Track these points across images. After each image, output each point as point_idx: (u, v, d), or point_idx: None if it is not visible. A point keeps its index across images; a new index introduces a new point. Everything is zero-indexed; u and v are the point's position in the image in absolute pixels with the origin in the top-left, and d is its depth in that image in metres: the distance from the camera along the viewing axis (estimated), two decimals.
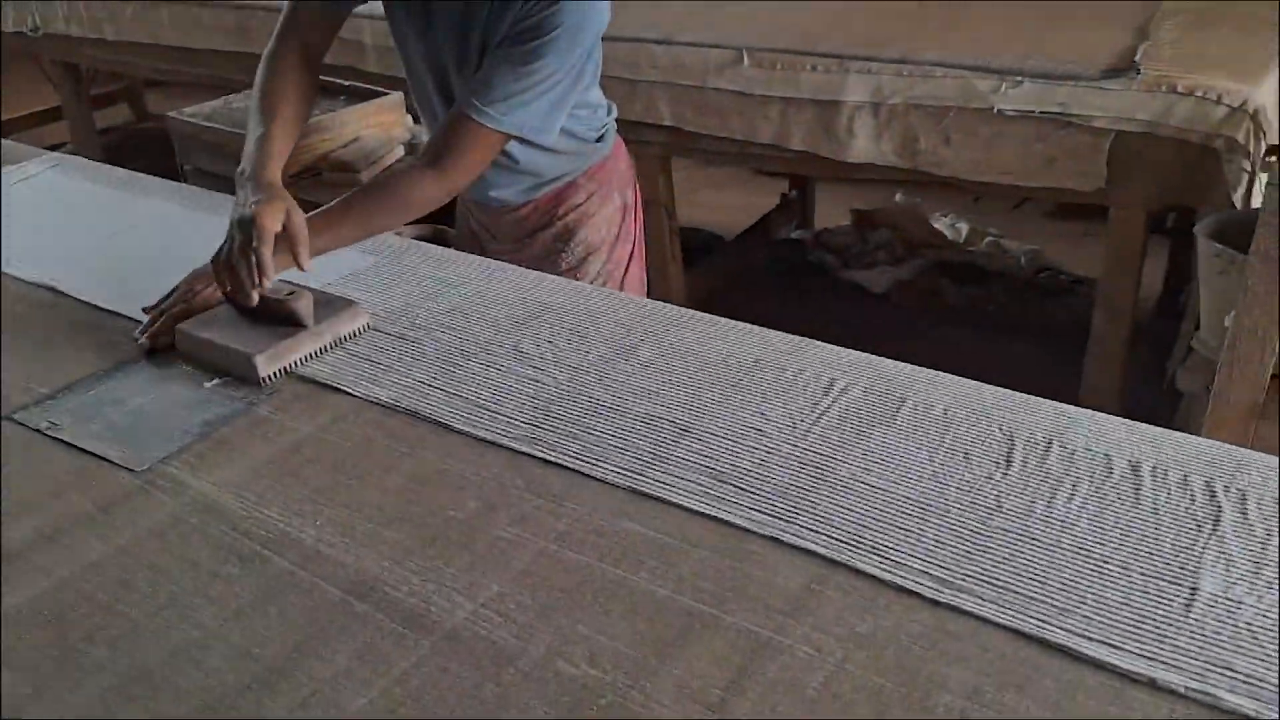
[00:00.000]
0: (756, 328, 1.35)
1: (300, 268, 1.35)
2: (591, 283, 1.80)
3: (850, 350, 1.28)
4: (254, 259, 1.29)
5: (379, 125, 2.21)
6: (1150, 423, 1.14)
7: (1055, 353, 3.00)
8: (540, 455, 1.10)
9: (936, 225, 3.53)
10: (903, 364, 1.24)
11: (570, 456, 1.10)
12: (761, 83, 2.52)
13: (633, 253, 1.91)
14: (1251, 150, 2.04)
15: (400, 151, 2.19)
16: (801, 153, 2.54)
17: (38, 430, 1.20)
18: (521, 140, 1.56)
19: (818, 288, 3.42)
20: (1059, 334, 3.10)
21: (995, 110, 2.27)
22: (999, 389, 1.19)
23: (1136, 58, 2.21)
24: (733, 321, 1.37)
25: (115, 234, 1.71)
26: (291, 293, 1.34)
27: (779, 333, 1.33)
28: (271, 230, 1.31)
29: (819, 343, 1.30)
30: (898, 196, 3.62)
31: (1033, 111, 2.24)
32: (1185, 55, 2.24)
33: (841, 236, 3.53)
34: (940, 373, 1.22)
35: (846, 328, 3.24)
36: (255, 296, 1.30)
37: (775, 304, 3.37)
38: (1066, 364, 2.91)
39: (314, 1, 1.60)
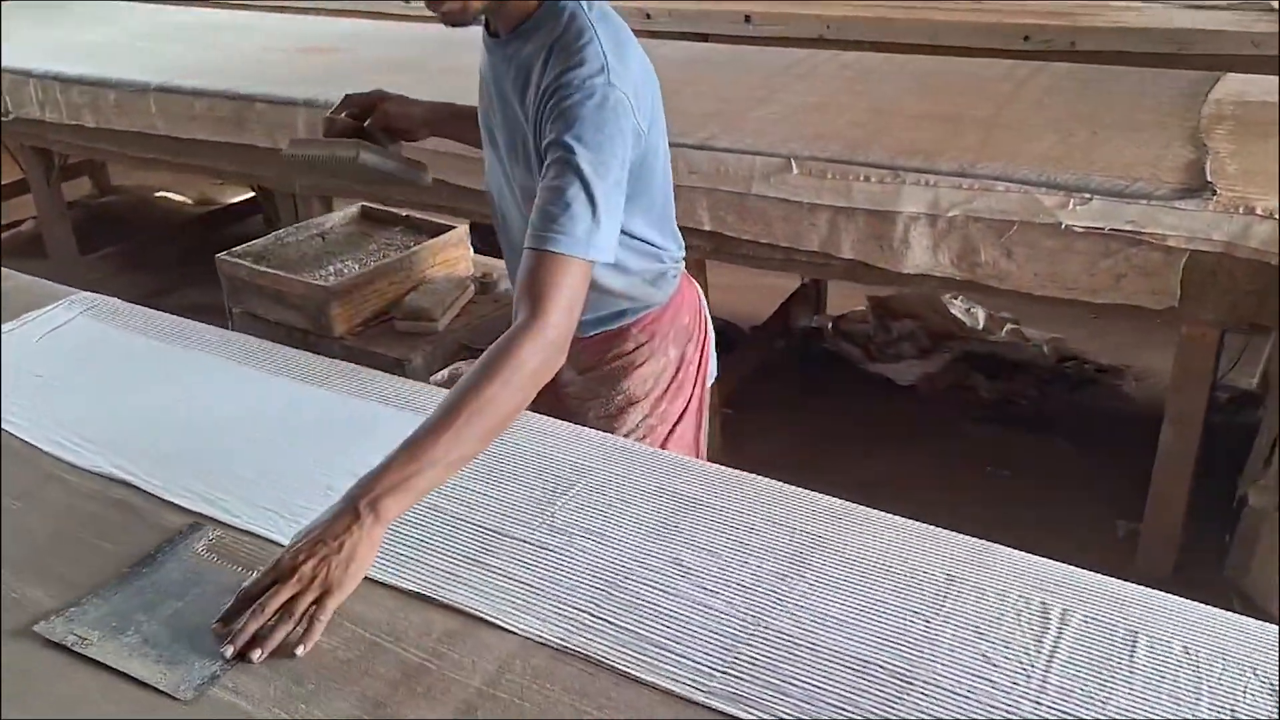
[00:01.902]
0: (917, 525, 1.25)
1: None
2: (628, 435, 1.70)
3: (1035, 558, 1.19)
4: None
5: (445, 263, 2.07)
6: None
7: (1094, 451, 2.95)
8: (749, 718, 0.99)
9: (953, 311, 3.48)
10: (1115, 582, 1.14)
11: None
12: (810, 191, 2.44)
13: (686, 410, 1.77)
14: None
15: (472, 291, 2.04)
16: (851, 260, 2.47)
17: (63, 646, 1.09)
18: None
19: (842, 379, 3.35)
20: (1094, 428, 3.06)
21: (1063, 226, 2.22)
22: (1231, 615, 1.09)
23: (1207, 176, 2.17)
24: (885, 515, 1.27)
25: (168, 405, 1.55)
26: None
27: (949, 534, 1.23)
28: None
29: (998, 548, 1.20)
30: None
31: (1102, 228, 2.19)
32: (1252, 172, 2.21)
33: (861, 325, 3.47)
34: (1159, 593, 1.13)
35: (879, 424, 3.20)
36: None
37: (802, 397, 3.29)
38: (1111, 465, 2.88)
39: None
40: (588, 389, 1.73)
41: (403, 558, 1.22)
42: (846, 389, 3.31)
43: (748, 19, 3.86)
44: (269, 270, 1.94)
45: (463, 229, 2.13)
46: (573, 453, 1.42)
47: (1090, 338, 3.48)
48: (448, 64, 3.46)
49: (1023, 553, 1.19)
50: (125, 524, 1.30)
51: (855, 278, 2.57)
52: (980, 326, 3.47)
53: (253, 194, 4.67)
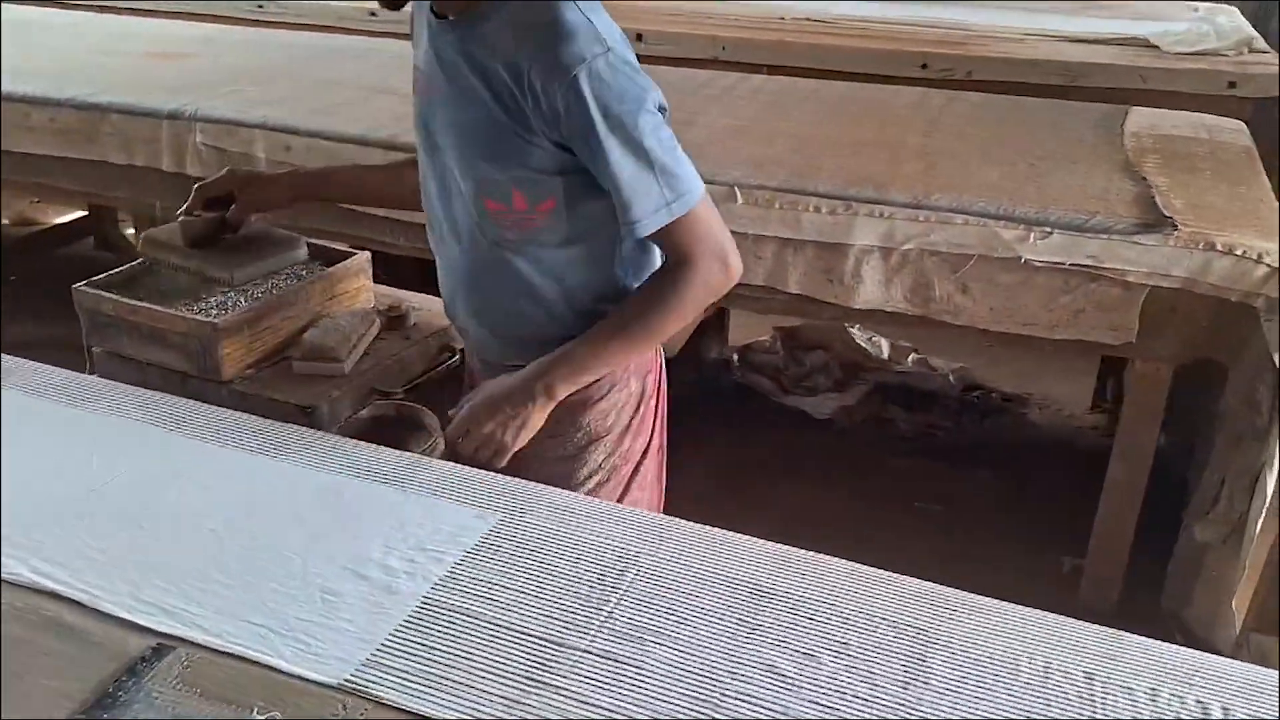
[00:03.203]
0: (1036, 613, 1.11)
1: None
2: (590, 477, 1.55)
3: (1171, 647, 1.07)
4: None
5: (346, 295, 1.78)
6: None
7: (1016, 482, 2.93)
8: None
9: (857, 340, 3.43)
10: (1262, 670, 1.04)
11: None
12: (756, 221, 2.31)
13: (649, 448, 1.62)
14: None
15: (378, 326, 1.76)
16: (798, 295, 2.35)
17: None
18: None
19: (754, 413, 3.23)
20: (1010, 459, 3.04)
21: (1022, 260, 2.16)
22: None
23: (1163, 211, 2.16)
24: (995, 602, 1.13)
25: (88, 487, 1.26)
26: None
27: (1074, 623, 1.10)
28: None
29: (1130, 636, 1.08)
30: None
31: (1062, 263, 2.15)
32: (1199, 206, 2.21)
33: (768, 356, 3.36)
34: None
35: (796, 459, 3.09)
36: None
37: (714, 431, 3.14)
38: (1036, 496, 2.86)
39: None
40: (544, 427, 1.52)
41: (448, 683, 0.99)
42: (758, 422, 3.20)
43: (640, 37, 3.72)
44: (142, 304, 1.62)
45: (364, 256, 1.84)
46: (605, 534, 1.21)
47: (988, 365, 3.49)
48: (323, 75, 3.18)
49: (1156, 641, 1.07)
50: (69, 652, 1.02)
51: (801, 313, 2.46)
52: (885, 356, 3.43)
53: (83, 214, 4.19)
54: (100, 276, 1.74)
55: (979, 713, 0.98)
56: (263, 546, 1.17)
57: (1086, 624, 1.09)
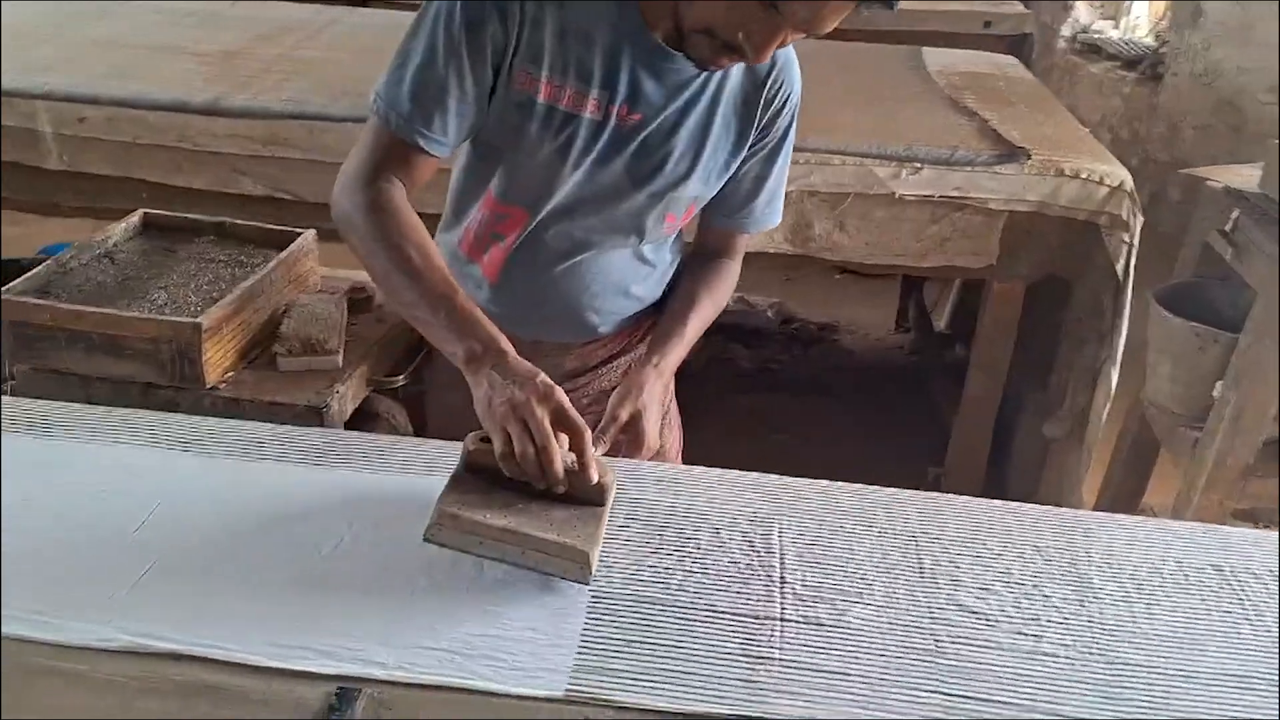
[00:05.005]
0: (1134, 519, 1.21)
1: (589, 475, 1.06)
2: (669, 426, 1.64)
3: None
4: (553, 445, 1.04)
5: (298, 280, 1.60)
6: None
7: (853, 406, 3.12)
8: None
9: None
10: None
11: None
12: None
13: None
14: (1130, 225, 2.27)
15: (345, 307, 1.59)
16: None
17: None
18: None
19: None
20: (841, 384, 3.23)
21: (896, 195, 2.28)
22: None
23: (1015, 142, 2.35)
24: (1100, 515, 1.21)
25: (145, 524, 1.07)
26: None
27: (1170, 523, 1.20)
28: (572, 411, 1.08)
29: (1231, 529, 1.20)
30: None
31: (930, 195, 2.29)
32: (1034, 137, 2.42)
33: None
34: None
35: None
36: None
37: None
38: (878, 416, 3.06)
39: (417, 144, 1.22)
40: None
41: (672, 673, 0.94)
42: None
43: None
44: (95, 309, 1.38)
45: (311, 234, 1.67)
46: (721, 498, 1.19)
47: (798, 297, 3.66)
48: (95, 34, 2.78)
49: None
50: (241, 717, 0.87)
51: None
52: None
53: None
54: (15, 283, 1.45)
55: (1160, 618, 1.05)
56: (386, 567, 1.04)
57: (1179, 522, 1.19)
